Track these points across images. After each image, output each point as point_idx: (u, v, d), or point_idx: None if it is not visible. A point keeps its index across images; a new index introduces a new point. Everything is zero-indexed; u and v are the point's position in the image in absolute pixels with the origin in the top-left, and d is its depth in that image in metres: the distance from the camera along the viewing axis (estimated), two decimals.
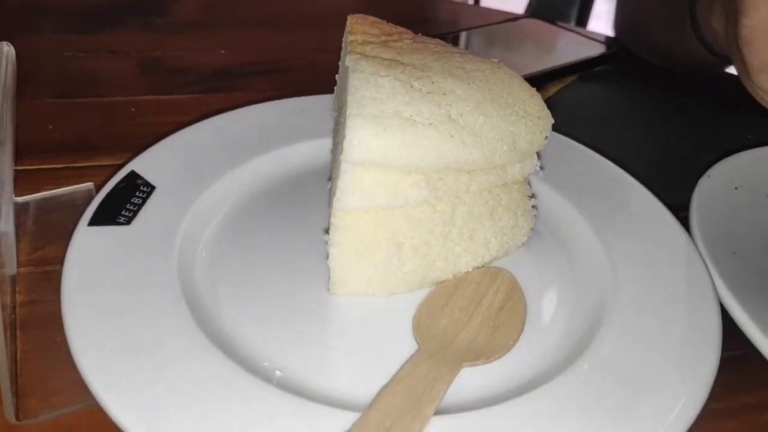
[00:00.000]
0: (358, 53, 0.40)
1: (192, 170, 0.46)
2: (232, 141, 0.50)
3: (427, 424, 0.30)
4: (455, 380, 0.34)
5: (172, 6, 0.84)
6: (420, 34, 0.45)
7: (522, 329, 0.38)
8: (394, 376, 0.34)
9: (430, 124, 0.37)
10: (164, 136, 0.49)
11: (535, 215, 0.45)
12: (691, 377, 0.34)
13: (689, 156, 0.58)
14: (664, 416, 0.32)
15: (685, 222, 0.45)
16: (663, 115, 0.67)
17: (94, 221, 0.40)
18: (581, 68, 0.72)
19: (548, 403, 0.32)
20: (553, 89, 0.68)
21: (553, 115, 0.42)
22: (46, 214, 0.45)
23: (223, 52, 0.72)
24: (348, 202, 0.37)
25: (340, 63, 0.47)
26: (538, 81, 0.65)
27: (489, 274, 0.42)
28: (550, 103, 0.42)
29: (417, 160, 0.37)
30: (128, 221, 0.41)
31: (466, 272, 0.42)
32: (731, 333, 0.37)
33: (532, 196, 0.45)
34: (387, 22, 0.45)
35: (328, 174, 0.49)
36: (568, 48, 0.76)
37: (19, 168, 0.50)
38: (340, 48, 0.47)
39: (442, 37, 0.47)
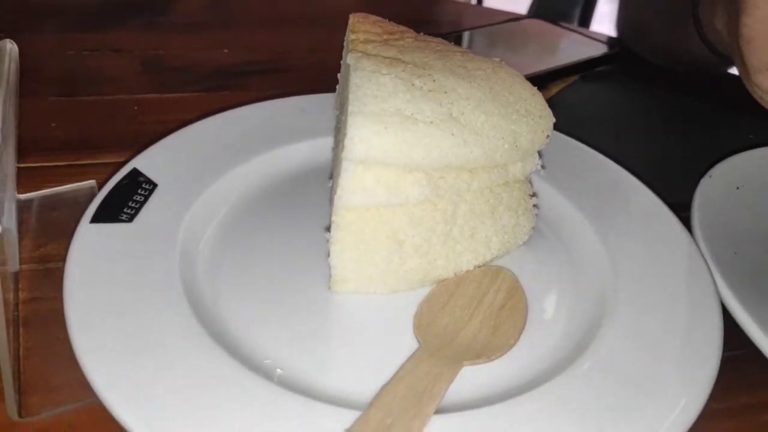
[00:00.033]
0: (360, 51, 0.40)
1: (194, 168, 0.46)
2: (233, 139, 0.50)
3: (428, 423, 0.30)
4: (456, 379, 0.34)
5: (175, 5, 0.84)
6: (422, 33, 0.45)
7: (523, 328, 0.38)
8: (395, 374, 0.34)
9: (432, 122, 0.37)
10: (166, 134, 0.49)
11: (536, 214, 0.45)
12: (692, 377, 0.34)
13: (691, 156, 0.57)
14: (665, 416, 0.32)
15: (686, 222, 0.45)
16: (665, 115, 0.67)
17: (96, 219, 0.40)
18: (583, 68, 0.72)
19: (548, 402, 0.32)
20: (555, 89, 0.68)
21: (555, 115, 0.42)
22: (48, 211, 0.45)
23: (225, 50, 0.73)
24: (349, 200, 0.37)
25: (341, 61, 0.47)
26: (540, 80, 0.65)
27: (490, 272, 0.42)
28: (551, 102, 0.42)
29: (418, 158, 0.37)
30: (130, 219, 0.41)
31: (467, 271, 0.42)
32: (732, 333, 0.37)
33: (534, 195, 0.45)
34: (389, 21, 0.46)
35: (330, 172, 0.49)
36: (570, 48, 0.76)
37: (22, 165, 0.50)
38: (342, 47, 0.47)
39: (445, 36, 0.47)
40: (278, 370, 0.35)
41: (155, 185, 0.44)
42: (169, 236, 0.40)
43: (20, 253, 0.42)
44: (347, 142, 0.36)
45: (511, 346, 0.36)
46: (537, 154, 0.42)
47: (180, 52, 0.71)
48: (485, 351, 0.36)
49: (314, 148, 0.51)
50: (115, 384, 0.31)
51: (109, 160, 0.51)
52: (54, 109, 0.59)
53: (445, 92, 0.38)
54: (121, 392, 0.30)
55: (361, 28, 0.43)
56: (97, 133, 0.56)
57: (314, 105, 0.54)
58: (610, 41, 0.77)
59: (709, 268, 0.41)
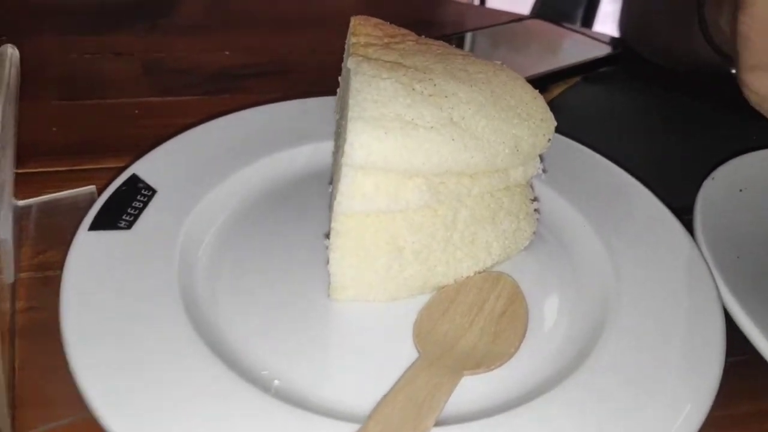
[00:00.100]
0: (361, 55, 0.40)
1: (193, 173, 0.46)
2: (233, 144, 0.49)
3: None
4: (456, 389, 0.33)
5: (176, 7, 0.84)
6: (423, 36, 0.45)
7: (524, 335, 0.38)
8: (395, 385, 0.33)
9: (432, 127, 0.36)
10: (167, 138, 0.49)
11: (537, 219, 0.45)
12: (695, 384, 0.34)
13: (693, 158, 0.57)
14: (668, 425, 0.31)
15: (689, 225, 0.45)
16: (667, 117, 0.66)
17: (95, 226, 0.40)
18: (586, 69, 0.72)
19: (550, 412, 0.32)
20: (556, 91, 0.68)
21: (557, 117, 0.42)
22: (48, 217, 0.45)
23: (226, 53, 0.72)
24: (349, 206, 0.37)
25: (342, 64, 0.46)
26: (542, 82, 0.65)
27: (490, 278, 0.41)
28: (553, 104, 0.42)
29: (418, 164, 0.36)
30: (129, 226, 0.41)
31: (468, 277, 0.41)
32: (734, 338, 0.37)
33: (535, 199, 0.45)
34: (391, 23, 0.45)
35: (329, 177, 0.49)
36: (573, 49, 0.76)
37: (22, 171, 0.50)
38: (343, 50, 0.46)
39: (447, 37, 0.47)
40: (276, 381, 0.34)
41: (154, 191, 0.44)
42: (167, 244, 0.40)
43: (20, 260, 0.42)
44: (347, 147, 0.35)
45: (511, 355, 0.36)
46: (538, 158, 0.42)
47: (181, 55, 0.71)
48: (485, 360, 0.35)
49: (314, 153, 0.51)
50: (110, 398, 0.30)
51: (110, 164, 0.51)
52: (55, 113, 0.59)
53: (446, 96, 0.38)
54: (116, 407, 0.30)
55: (362, 31, 0.43)
56: (98, 137, 0.56)
57: (315, 108, 0.54)
58: (613, 42, 0.77)
59: (711, 272, 0.41)
